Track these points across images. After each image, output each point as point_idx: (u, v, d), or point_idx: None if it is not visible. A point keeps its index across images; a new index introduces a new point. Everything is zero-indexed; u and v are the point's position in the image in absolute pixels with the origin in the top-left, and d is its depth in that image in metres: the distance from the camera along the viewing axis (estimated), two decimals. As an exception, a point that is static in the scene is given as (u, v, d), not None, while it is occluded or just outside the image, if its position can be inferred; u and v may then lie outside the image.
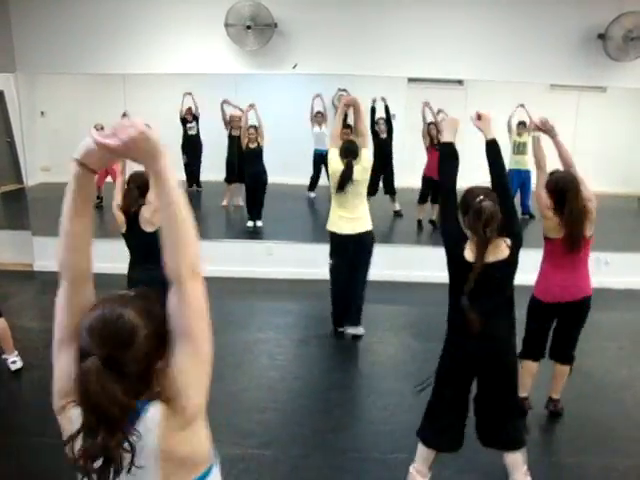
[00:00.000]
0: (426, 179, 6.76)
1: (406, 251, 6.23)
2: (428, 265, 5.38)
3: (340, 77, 6.37)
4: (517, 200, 6.63)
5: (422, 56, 5.79)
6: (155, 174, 1.20)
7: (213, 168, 7.57)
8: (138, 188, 3.71)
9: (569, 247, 3.31)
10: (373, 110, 6.72)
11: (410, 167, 7.04)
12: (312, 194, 7.59)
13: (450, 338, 2.69)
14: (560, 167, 3.48)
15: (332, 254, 4.73)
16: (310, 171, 7.37)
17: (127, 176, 3.87)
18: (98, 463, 1.12)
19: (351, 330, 4.82)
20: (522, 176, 6.71)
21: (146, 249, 3.66)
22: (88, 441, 1.12)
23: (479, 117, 2.67)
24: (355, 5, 5.71)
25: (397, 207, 7.30)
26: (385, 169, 6.88)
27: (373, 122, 6.70)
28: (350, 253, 4.62)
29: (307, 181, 7.49)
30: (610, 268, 5.94)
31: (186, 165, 7.56)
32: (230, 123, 7.05)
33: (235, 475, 3.13)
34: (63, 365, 1.26)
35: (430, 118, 6.77)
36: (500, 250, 2.50)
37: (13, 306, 5.27)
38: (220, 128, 7.14)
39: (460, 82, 6.66)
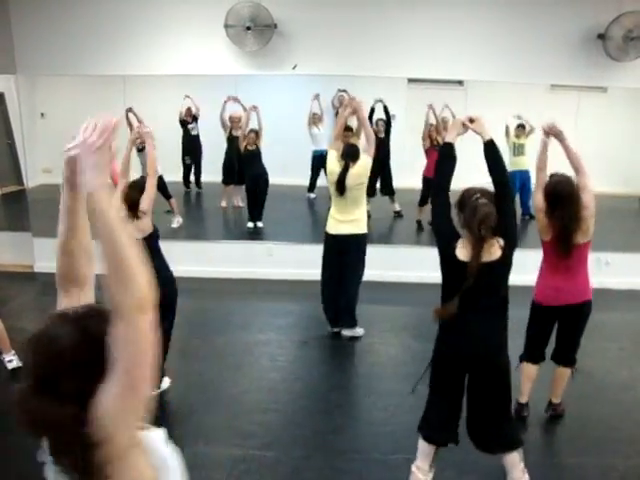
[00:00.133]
0: (426, 180, 6.76)
1: (406, 252, 6.22)
2: (428, 266, 5.33)
3: (340, 78, 6.37)
4: (517, 201, 6.63)
5: (422, 57, 5.79)
6: (91, 201, 1.13)
7: (212, 169, 7.57)
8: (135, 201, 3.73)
9: (557, 251, 3.33)
10: (372, 110, 6.72)
11: (410, 168, 7.03)
12: (312, 195, 7.59)
13: (441, 336, 2.72)
14: (561, 170, 3.48)
15: (323, 254, 4.80)
16: (309, 172, 7.37)
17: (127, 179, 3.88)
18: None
19: (347, 332, 4.83)
20: (522, 177, 6.72)
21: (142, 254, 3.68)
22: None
23: (471, 121, 2.70)
24: (355, 6, 5.71)
25: (397, 207, 7.29)
26: (383, 169, 6.87)
27: (371, 122, 6.70)
28: (339, 254, 4.68)
29: (307, 182, 7.48)
30: (610, 268, 5.94)
31: (189, 166, 7.57)
32: (230, 123, 7.05)
33: (236, 476, 3.13)
34: None
35: (433, 120, 6.77)
36: (493, 250, 2.52)
37: (13, 308, 5.27)
38: (220, 129, 7.15)
39: (460, 83, 6.66)
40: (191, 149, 7.52)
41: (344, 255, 4.69)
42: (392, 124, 6.78)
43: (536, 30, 5.64)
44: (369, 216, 6.94)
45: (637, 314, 5.68)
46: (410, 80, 6.49)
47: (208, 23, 5.71)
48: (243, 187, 7.01)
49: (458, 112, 6.78)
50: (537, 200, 3.39)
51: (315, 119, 7.19)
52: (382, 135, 6.76)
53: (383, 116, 6.76)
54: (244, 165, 6.83)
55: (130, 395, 1.10)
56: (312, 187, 7.50)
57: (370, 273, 4.92)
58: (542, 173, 3.45)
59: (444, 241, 2.63)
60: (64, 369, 1.10)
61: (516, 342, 4.50)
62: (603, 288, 5.45)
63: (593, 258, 3.58)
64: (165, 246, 3.88)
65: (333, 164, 4.57)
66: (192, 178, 7.73)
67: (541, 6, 5.59)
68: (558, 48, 5.68)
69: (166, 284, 3.81)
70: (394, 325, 5.23)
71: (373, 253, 4.87)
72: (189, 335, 4.66)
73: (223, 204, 7.56)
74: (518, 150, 6.85)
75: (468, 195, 2.55)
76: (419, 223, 6.96)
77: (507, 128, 6.80)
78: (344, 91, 7.15)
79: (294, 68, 5.86)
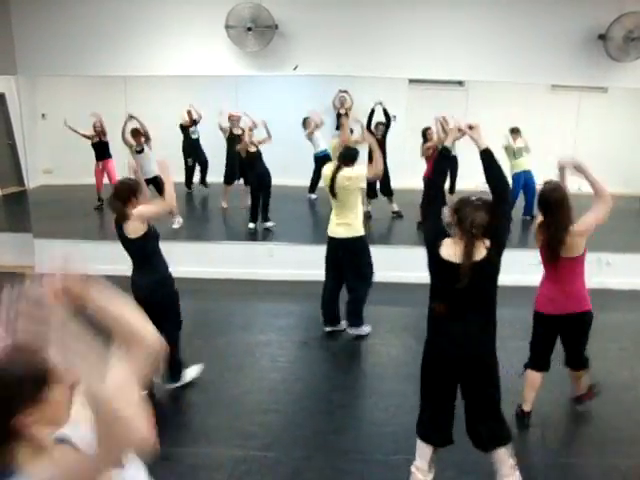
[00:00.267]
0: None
1: (407, 252, 6.21)
2: (429, 266, 5.38)
3: (341, 78, 6.37)
4: (519, 201, 6.64)
5: (423, 57, 5.79)
6: (99, 301, 1.33)
7: (212, 170, 7.59)
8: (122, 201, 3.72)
9: (545, 260, 3.35)
10: (372, 112, 6.74)
11: (410, 168, 7.03)
12: (313, 195, 7.59)
13: (429, 337, 2.74)
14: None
15: (325, 255, 4.88)
16: (310, 172, 7.38)
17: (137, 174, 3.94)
18: None
19: (351, 330, 4.88)
20: (525, 177, 6.73)
21: (138, 254, 3.72)
22: None
23: (470, 127, 2.73)
24: (355, 6, 5.71)
25: (395, 208, 7.30)
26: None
27: (370, 123, 6.72)
28: (337, 256, 4.75)
29: (307, 182, 7.49)
30: (611, 269, 5.94)
31: (191, 168, 7.58)
32: (230, 122, 7.07)
33: (237, 477, 3.13)
34: None
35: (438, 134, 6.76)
36: (479, 251, 2.53)
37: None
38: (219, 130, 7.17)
39: (461, 83, 6.66)
40: (192, 152, 7.54)
41: (342, 257, 4.75)
42: (392, 125, 6.80)
43: (537, 30, 5.64)
44: (369, 217, 7.02)
45: (638, 314, 5.68)
46: (411, 81, 6.49)
47: (209, 24, 5.71)
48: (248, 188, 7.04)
49: (459, 113, 6.78)
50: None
51: (308, 124, 7.19)
52: (379, 136, 6.77)
53: (383, 119, 6.77)
54: (247, 167, 6.86)
55: (107, 455, 1.15)
56: (313, 188, 7.51)
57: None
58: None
59: (430, 239, 2.67)
60: None
61: (518, 344, 4.51)
62: (604, 288, 5.46)
63: (594, 258, 3.58)
64: (166, 247, 3.88)
65: (328, 168, 4.68)
66: (195, 179, 7.74)
67: (542, 6, 5.59)
68: (559, 48, 5.68)
69: (165, 285, 3.81)
70: (395, 325, 5.23)
71: (374, 253, 4.87)
72: (190, 336, 4.66)
73: (224, 205, 7.57)
74: (518, 152, 6.87)
75: (466, 199, 2.61)
76: (420, 224, 6.95)
77: (508, 145, 6.83)
78: (345, 92, 7.18)
79: (295, 69, 5.86)
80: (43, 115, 7.24)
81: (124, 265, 3.88)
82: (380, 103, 6.63)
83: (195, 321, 5.07)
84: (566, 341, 3.49)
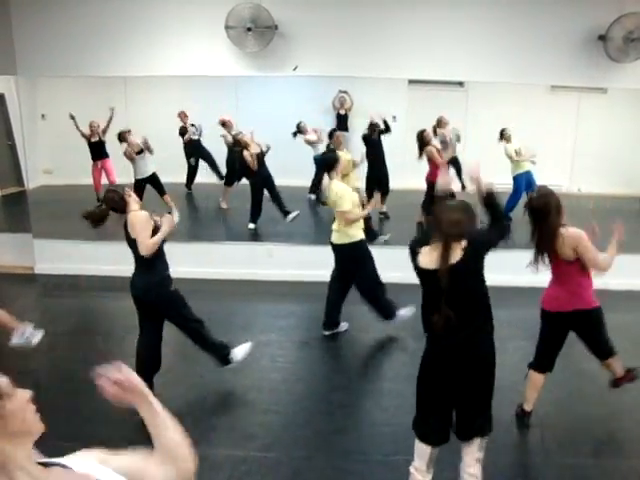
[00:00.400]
0: (431, 184, 6.71)
1: (405, 252, 6.20)
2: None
3: (341, 79, 6.38)
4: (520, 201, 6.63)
5: (423, 58, 5.79)
6: (148, 411, 1.40)
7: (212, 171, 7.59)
8: (113, 209, 3.76)
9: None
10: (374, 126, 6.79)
11: (411, 169, 7.03)
12: (313, 196, 7.59)
13: (427, 338, 2.76)
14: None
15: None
16: (310, 173, 7.37)
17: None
18: None
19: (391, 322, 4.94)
20: (527, 177, 6.73)
21: (137, 254, 3.71)
22: None
23: (472, 177, 2.77)
24: (355, 7, 5.71)
25: (384, 209, 7.24)
26: (379, 171, 6.91)
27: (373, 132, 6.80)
28: (336, 260, 4.85)
29: (308, 183, 7.49)
30: (611, 269, 5.91)
31: (194, 167, 7.58)
32: (224, 128, 7.09)
33: (237, 477, 3.13)
34: None
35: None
36: (455, 253, 2.54)
37: (14, 309, 5.25)
38: (219, 130, 7.16)
39: (461, 84, 6.66)
40: (194, 152, 7.54)
41: (337, 262, 4.87)
42: (392, 125, 6.80)
43: (537, 31, 5.64)
44: (387, 217, 7.13)
45: (637, 315, 5.68)
46: (411, 81, 6.49)
47: (209, 24, 5.71)
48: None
49: (459, 113, 6.80)
50: None
51: (302, 129, 7.21)
52: (375, 137, 6.79)
53: (382, 126, 6.77)
54: (249, 169, 6.87)
55: None
56: (313, 188, 7.51)
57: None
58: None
59: (411, 249, 2.75)
60: None
61: (518, 344, 4.52)
62: (603, 289, 5.44)
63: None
64: (165, 247, 3.87)
65: (325, 179, 4.80)
66: (199, 179, 7.74)
67: (542, 7, 5.59)
68: (559, 49, 5.68)
69: (161, 285, 3.80)
70: (395, 326, 5.22)
71: (374, 254, 4.87)
72: (190, 336, 4.66)
73: (224, 205, 7.57)
74: (519, 153, 6.86)
75: (441, 202, 2.69)
76: (420, 224, 6.95)
77: (510, 152, 6.84)
78: (345, 92, 7.18)
79: (295, 69, 5.86)
80: (43, 116, 7.24)
81: (124, 265, 3.88)
82: (385, 121, 6.71)
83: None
84: (581, 337, 3.50)
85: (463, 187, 6.63)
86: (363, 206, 4.81)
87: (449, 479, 3.01)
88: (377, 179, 6.87)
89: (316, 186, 7.44)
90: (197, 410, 3.83)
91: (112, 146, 7.07)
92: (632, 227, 7.03)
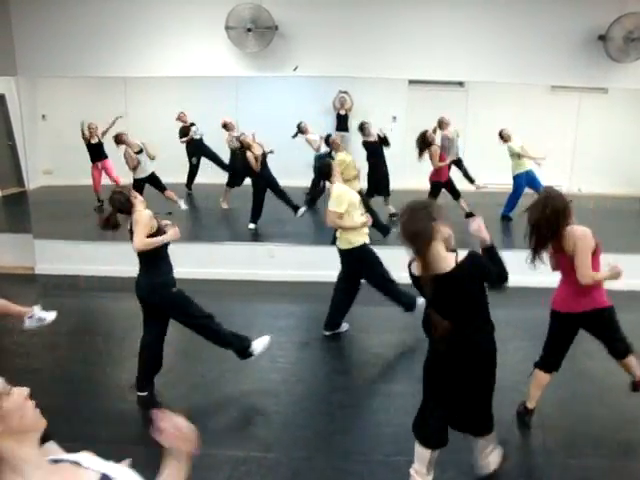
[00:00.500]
0: (434, 184, 6.71)
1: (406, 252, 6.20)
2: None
3: (341, 79, 6.38)
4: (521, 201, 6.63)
5: (423, 58, 5.79)
6: (176, 466, 1.56)
7: (212, 171, 7.58)
8: (119, 211, 3.75)
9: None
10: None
11: (411, 169, 7.03)
12: (309, 196, 7.57)
13: (429, 341, 2.77)
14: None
15: None
16: (310, 173, 7.37)
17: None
18: None
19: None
20: (528, 176, 6.72)
21: (141, 255, 3.72)
22: None
23: (475, 227, 2.77)
24: (356, 7, 5.71)
25: (392, 210, 7.23)
26: (378, 172, 6.91)
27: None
28: (341, 262, 4.87)
29: (308, 183, 7.48)
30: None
31: (195, 167, 7.58)
32: (226, 130, 7.09)
33: (237, 478, 3.13)
34: None
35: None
36: (447, 263, 2.54)
37: (14, 309, 5.26)
38: (220, 130, 7.16)
39: (461, 84, 6.66)
40: (196, 151, 7.54)
41: (342, 265, 4.88)
42: (392, 128, 6.82)
43: (537, 31, 5.64)
44: (394, 215, 7.04)
45: (638, 315, 5.66)
46: (411, 81, 6.49)
47: (209, 25, 5.71)
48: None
49: (459, 113, 6.80)
50: None
51: (302, 129, 7.22)
52: (372, 138, 6.79)
53: (381, 134, 6.79)
54: (252, 170, 6.88)
55: None
56: (310, 189, 7.50)
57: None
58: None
59: (410, 259, 2.76)
60: None
61: (518, 344, 4.51)
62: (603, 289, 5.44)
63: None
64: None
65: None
66: (201, 180, 7.74)
67: (542, 7, 5.59)
68: (559, 49, 5.68)
69: (165, 286, 3.80)
70: (395, 326, 5.22)
71: (380, 254, 4.87)
72: (191, 336, 4.65)
73: (224, 205, 7.57)
74: (523, 151, 6.84)
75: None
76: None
77: (514, 148, 6.84)
78: (345, 92, 7.18)
79: (295, 70, 5.86)
80: (43, 116, 7.24)
81: (124, 266, 3.88)
82: (385, 135, 6.74)
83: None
84: (596, 337, 3.49)
85: (471, 181, 6.63)
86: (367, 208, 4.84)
87: (450, 479, 3.02)
88: (377, 182, 6.89)
89: (313, 188, 7.45)
90: (197, 410, 3.82)
91: (110, 148, 7.09)
92: (632, 227, 7.08)
